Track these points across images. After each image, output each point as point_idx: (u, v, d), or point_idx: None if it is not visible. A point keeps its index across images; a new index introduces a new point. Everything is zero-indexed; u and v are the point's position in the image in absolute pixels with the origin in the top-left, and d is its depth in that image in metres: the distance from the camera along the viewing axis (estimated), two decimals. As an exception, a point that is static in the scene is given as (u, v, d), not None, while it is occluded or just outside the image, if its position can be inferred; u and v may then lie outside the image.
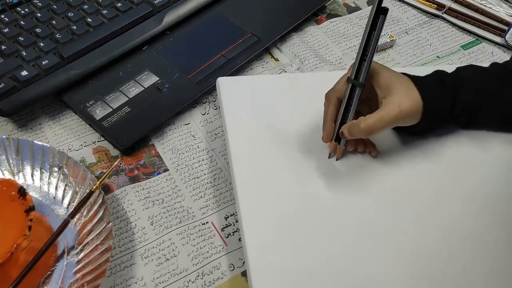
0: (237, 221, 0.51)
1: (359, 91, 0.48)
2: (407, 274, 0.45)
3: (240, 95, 0.58)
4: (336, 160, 0.52)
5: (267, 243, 0.46)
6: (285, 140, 0.54)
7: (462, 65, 0.55)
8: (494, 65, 0.55)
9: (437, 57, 0.69)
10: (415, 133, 0.54)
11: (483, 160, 0.53)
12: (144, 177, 0.54)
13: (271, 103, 0.57)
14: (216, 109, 0.61)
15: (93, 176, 0.51)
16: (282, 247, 0.46)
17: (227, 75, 0.63)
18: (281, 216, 0.48)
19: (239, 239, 0.50)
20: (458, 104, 0.51)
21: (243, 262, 0.48)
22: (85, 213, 0.49)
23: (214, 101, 0.62)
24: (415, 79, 0.50)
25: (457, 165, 0.53)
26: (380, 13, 0.46)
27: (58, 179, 0.51)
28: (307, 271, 0.44)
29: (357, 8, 0.77)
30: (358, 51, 0.48)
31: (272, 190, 0.49)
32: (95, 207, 0.48)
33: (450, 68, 0.54)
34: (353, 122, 0.48)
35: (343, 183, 0.51)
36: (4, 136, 0.53)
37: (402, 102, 0.48)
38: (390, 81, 0.49)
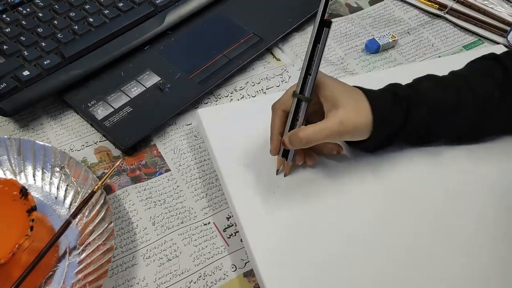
0: (239, 222, 0.51)
1: (305, 106, 0.47)
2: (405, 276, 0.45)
3: (224, 124, 0.56)
4: (284, 176, 0.51)
5: (272, 249, 0.46)
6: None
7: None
8: (452, 74, 0.53)
9: (439, 57, 0.69)
10: (368, 150, 0.52)
11: (440, 175, 0.52)
12: (145, 177, 0.54)
13: (256, 127, 0.55)
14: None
15: (94, 176, 0.51)
16: (288, 251, 0.46)
17: (229, 75, 0.63)
18: (283, 229, 0.48)
19: (241, 240, 0.49)
20: (411, 119, 0.49)
21: (245, 263, 0.48)
22: (86, 213, 0.49)
23: (216, 101, 0.62)
24: (367, 92, 0.49)
25: (409, 184, 0.52)
26: (324, 25, 0.44)
27: (60, 179, 0.51)
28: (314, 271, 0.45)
29: (358, 8, 0.77)
30: (303, 64, 0.47)
31: (272, 211, 0.49)
32: (97, 208, 0.48)
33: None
34: (294, 131, 0.47)
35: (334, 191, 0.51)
36: (5, 136, 0.53)
37: (346, 115, 0.46)
38: (337, 94, 0.47)
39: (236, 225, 0.51)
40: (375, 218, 0.49)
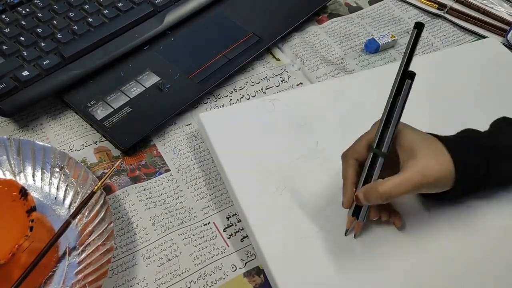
0: (239, 221, 0.51)
1: (382, 161, 0.44)
2: None
3: (226, 127, 0.56)
4: (354, 237, 0.47)
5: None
6: (282, 164, 0.53)
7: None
8: None
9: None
10: (445, 200, 0.48)
11: None
12: (145, 177, 0.54)
13: (258, 129, 0.56)
14: (216, 109, 0.61)
15: (94, 176, 0.51)
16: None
17: (229, 75, 0.63)
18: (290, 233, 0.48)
19: (241, 240, 0.49)
20: (496, 172, 0.46)
21: (245, 263, 0.48)
22: (86, 213, 0.49)
23: (216, 101, 0.62)
24: (444, 140, 0.45)
25: (495, 237, 0.48)
26: (406, 77, 0.42)
27: (59, 180, 0.51)
28: None
29: (358, 8, 0.77)
30: (381, 117, 0.44)
31: (282, 216, 0.49)
32: (97, 208, 0.48)
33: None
34: (370, 185, 0.44)
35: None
36: (5, 137, 0.53)
37: (427, 166, 0.42)
38: (414, 142, 0.44)
39: (235, 225, 0.51)
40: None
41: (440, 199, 0.47)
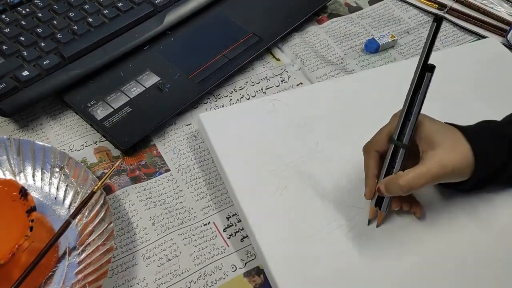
0: (239, 221, 0.51)
1: (403, 153, 0.45)
2: None
3: (226, 127, 0.56)
4: (377, 227, 0.48)
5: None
6: (282, 164, 0.53)
7: None
8: None
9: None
10: (465, 191, 0.49)
11: None
12: (145, 177, 0.54)
13: (258, 129, 0.56)
14: (216, 109, 0.61)
15: (94, 176, 0.51)
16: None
17: (229, 75, 0.63)
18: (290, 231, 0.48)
19: (241, 240, 0.49)
20: None
21: (245, 263, 0.48)
22: (86, 213, 0.49)
23: (216, 101, 0.62)
24: (464, 130, 0.46)
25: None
26: (426, 70, 0.43)
27: (59, 180, 0.51)
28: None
29: (358, 8, 0.77)
30: (402, 109, 0.45)
31: (282, 216, 0.49)
32: (97, 208, 0.48)
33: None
34: (391, 177, 0.44)
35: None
36: (5, 137, 0.53)
37: (445, 157, 0.43)
38: (434, 133, 0.44)
39: (235, 225, 0.51)
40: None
41: (458, 188, 0.47)
